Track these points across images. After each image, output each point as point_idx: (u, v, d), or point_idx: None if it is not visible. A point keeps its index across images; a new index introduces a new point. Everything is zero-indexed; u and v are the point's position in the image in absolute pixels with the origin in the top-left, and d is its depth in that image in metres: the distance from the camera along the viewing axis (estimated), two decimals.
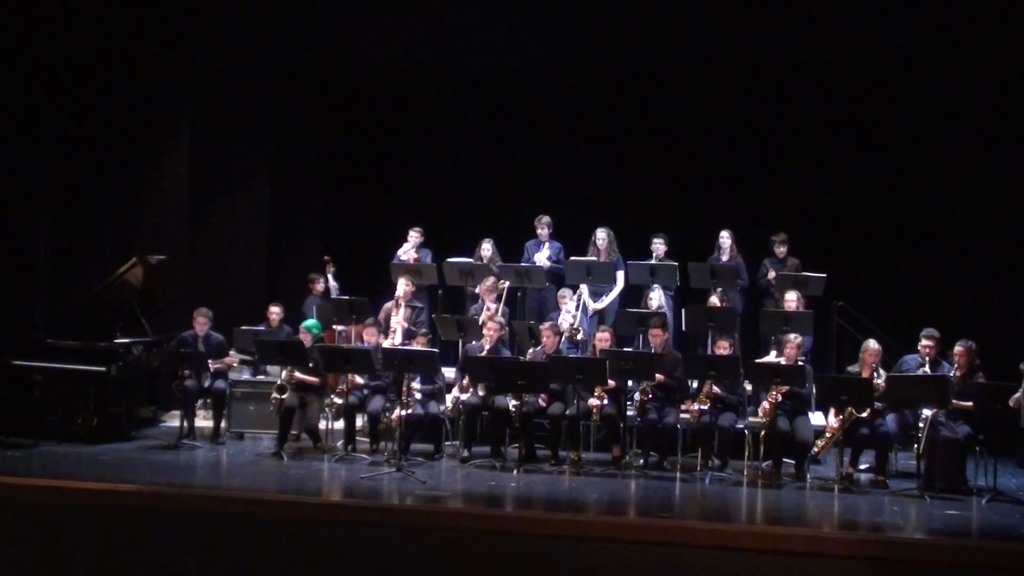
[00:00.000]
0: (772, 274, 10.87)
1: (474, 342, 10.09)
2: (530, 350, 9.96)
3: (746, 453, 9.39)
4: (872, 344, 9.26)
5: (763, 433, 9.26)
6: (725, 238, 11.12)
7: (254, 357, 10.68)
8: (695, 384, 9.59)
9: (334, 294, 11.79)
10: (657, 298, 10.67)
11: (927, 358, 9.05)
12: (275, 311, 11.10)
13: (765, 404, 9.21)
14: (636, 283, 11.06)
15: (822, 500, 8.70)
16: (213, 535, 7.46)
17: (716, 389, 9.26)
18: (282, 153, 13.25)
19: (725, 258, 11.07)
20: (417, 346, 9.92)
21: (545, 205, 11.73)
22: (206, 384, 10.25)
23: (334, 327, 11.08)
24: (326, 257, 12.14)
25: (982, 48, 10.95)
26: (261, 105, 12.94)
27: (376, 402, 9.79)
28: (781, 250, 11.05)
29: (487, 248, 11.35)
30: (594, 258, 10.96)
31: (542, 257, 11.24)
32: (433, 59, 12.43)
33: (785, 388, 9.10)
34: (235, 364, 10.68)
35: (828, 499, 8.69)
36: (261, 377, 10.68)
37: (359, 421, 10.00)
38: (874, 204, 12.05)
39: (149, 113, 12.10)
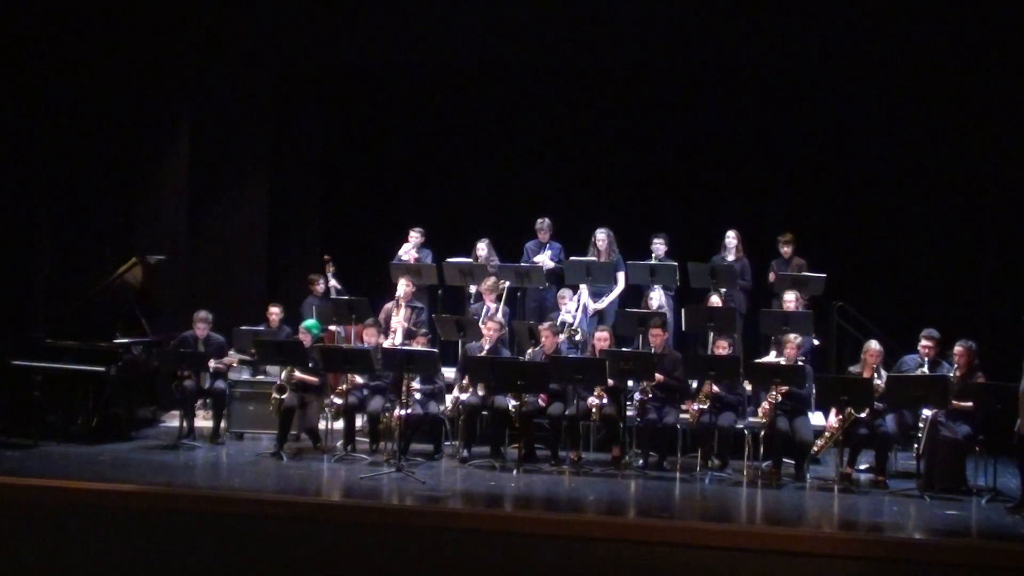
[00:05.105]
0: (772, 276, 10.87)
1: (474, 342, 10.09)
2: (529, 350, 9.97)
3: (746, 453, 9.39)
4: (874, 345, 9.26)
5: (763, 433, 9.27)
6: (731, 238, 11.11)
7: (253, 357, 10.68)
8: (695, 384, 9.60)
9: (335, 294, 11.78)
10: (657, 298, 10.67)
11: (927, 358, 9.05)
12: (275, 311, 11.09)
13: (765, 404, 9.21)
14: (636, 283, 11.07)
15: (822, 500, 8.71)
16: (213, 535, 7.46)
17: (716, 389, 9.27)
18: (282, 153, 13.25)
19: (731, 258, 11.06)
20: (417, 346, 9.92)
21: (545, 205, 11.75)
22: (206, 384, 10.25)
23: (331, 328, 11.07)
24: (326, 257, 12.14)
25: (982, 48, 10.95)
26: (261, 105, 12.94)
27: (376, 402, 9.79)
28: (786, 250, 11.03)
29: (483, 248, 11.35)
30: (594, 258, 10.97)
31: (545, 259, 11.25)
32: (433, 59, 12.43)
33: (785, 388, 9.11)
34: (235, 364, 10.68)
35: (828, 499, 8.69)
36: (261, 377, 10.67)
37: (359, 421, 10.01)
38: (874, 204, 12.05)
39: (149, 113, 12.09)
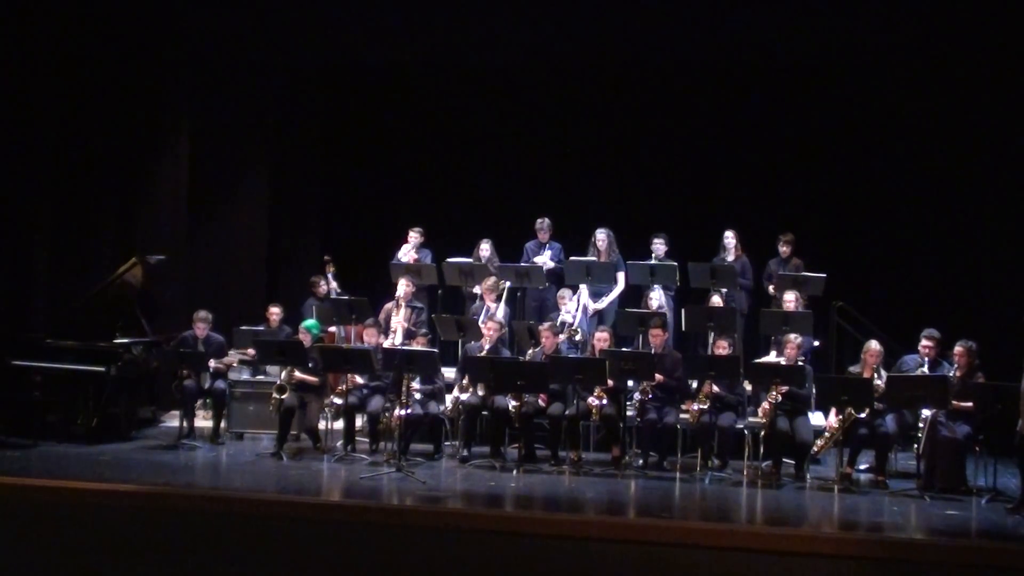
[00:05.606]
0: (771, 288, 10.87)
1: (474, 342, 10.09)
2: (530, 350, 9.96)
3: (746, 453, 9.39)
4: (874, 345, 9.26)
5: (763, 433, 9.27)
6: (729, 238, 11.12)
7: (253, 357, 10.68)
8: (695, 384, 9.59)
9: (335, 294, 11.78)
10: (657, 298, 10.67)
11: (927, 358, 9.05)
12: (275, 312, 11.09)
13: (765, 404, 9.21)
14: (636, 283, 11.07)
15: (822, 500, 8.71)
16: (213, 535, 7.47)
17: (716, 389, 9.26)
18: (282, 153, 13.25)
19: (730, 258, 11.07)
20: (417, 346, 9.92)
21: (545, 205, 11.75)
22: (206, 384, 10.25)
23: (331, 328, 11.07)
24: (326, 257, 12.13)
25: (982, 48, 10.95)
26: (261, 105, 12.93)
27: (376, 402, 9.79)
28: (784, 249, 11.04)
29: (485, 248, 11.35)
30: (594, 258, 10.97)
31: (545, 259, 11.25)
32: (433, 59, 12.45)
33: (785, 388, 9.10)
34: (235, 364, 10.68)
35: (828, 499, 8.69)
36: (261, 377, 10.67)
37: (359, 421, 10.01)
38: (874, 204, 12.05)
39: (149, 113, 12.08)
